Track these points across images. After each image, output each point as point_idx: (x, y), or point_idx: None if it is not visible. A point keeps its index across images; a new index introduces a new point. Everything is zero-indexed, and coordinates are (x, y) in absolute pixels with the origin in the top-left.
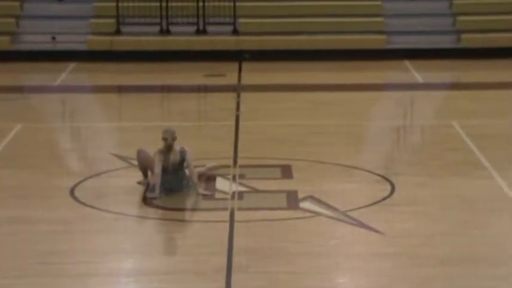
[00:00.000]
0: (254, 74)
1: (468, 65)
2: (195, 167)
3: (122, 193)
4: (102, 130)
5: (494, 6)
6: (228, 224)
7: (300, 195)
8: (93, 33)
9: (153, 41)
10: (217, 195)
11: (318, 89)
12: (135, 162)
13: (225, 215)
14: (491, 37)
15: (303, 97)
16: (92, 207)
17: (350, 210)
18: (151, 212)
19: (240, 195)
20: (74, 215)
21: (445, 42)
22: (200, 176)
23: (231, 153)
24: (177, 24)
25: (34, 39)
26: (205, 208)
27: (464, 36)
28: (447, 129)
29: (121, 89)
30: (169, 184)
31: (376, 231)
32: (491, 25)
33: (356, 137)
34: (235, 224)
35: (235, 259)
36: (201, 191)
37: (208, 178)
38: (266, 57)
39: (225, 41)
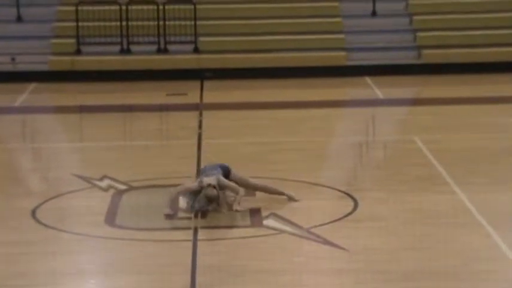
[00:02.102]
0: (216, 92)
1: (429, 80)
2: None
3: (84, 214)
4: (64, 151)
5: (455, 22)
6: (191, 243)
7: (264, 213)
8: (54, 54)
9: (114, 61)
10: (180, 214)
11: (279, 107)
12: (97, 183)
13: (188, 234)
14: (452, 52)
15: (264, 115)
16: (53, 228)
17: (313, 227)
18: (113, 232)
19: (203, 213)
20: (36, 237)
21: (406, 58)
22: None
23: (194, 172)
24: (138, 43)
25: None
26: (168, 227)
27: (424, 52)
28: (409, 145)
29: (82, 109)
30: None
31: (340, 247)
32: (452, 41)
33: (318, 154)
34: (199, 243)
35: (199, 278)
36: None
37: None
38: (227, 76)
39: (186, 60)
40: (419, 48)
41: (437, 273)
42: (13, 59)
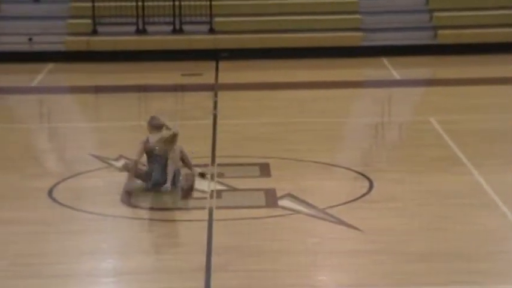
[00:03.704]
0: (231, 72)
1: (445, 61)
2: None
3: (100, 193)
4: (80, 130)
5: (471, 2)
6: (206, 223)
7: (279, 193)
8: (70, 34)
9: (129, 41)
10: (196, 194)
11: (295, 87)
12: (113, 162)
13: (204, 214)
14: (467, 33)
15: (280, 95)
16: (70, 208)
17: (329, 207)
18: (130, 212)
19: (219, 194)
20: (53, 216)
21: (422, 38)
22: None
23: (209, 152)
24: (153, 23)
25: (11, 40)
26: (184, 207)
27: (440, 32)
28: (425, 126)
29: (98, 89)
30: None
31: (355, 228)
32: (467, 21)
33: (334, 135)
34: (214, 223)
35: (215, 258)
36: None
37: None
38: (243, 56)
39: (202, 40)
40: (436, 28)
41: (453, 254)
42: (30, 39)
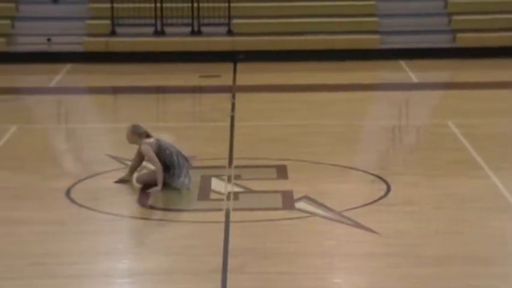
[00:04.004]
0: (249, 74)
1: (463, 64)
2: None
3: (117, 194)
4: (98, 131)
5: (490, 6)
6: (223, 225)
7: (295, 196)
8: (88, 35)
9: (147, 42)
10: (213, 195)
11: (312, 90)
12: (130, 163)
13: (221, 216)
14: (486, 36)
15: (297, 97)
16: (87, 208)
17: (345, 210)
18: (146, 212)
19: (236, 195)
20: (70, 216)
21: (440, 41)
22: None
23: (227, 154)
24: (171, 25)
25: (29, 41)
26: (201, 209)
27: (459, 35)
28: (442, 129)
29: (116, 90)
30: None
31: (372, 231)
32: (486, 24)
33: (351, 137)
34: (231, 225)
35: (231, 260)
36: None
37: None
38: (261, 58)
39: (220, 42)
40: (454, 31)
41: (470, 257)
42: (49, 40)
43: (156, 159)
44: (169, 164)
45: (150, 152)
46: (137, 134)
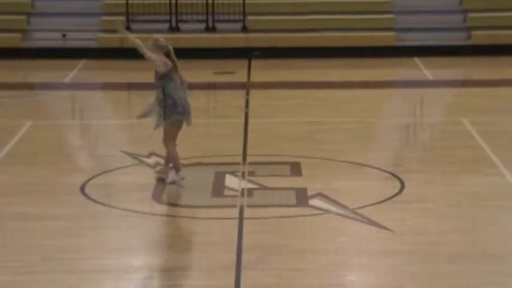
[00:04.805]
0: (263, 71)
1: (478, 62)
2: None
3: (131, 190)
4: (112, 127)
5: (505, 3)
6: (237, 221)
7: (309, 193)
8: (103, 31)
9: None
10: (227, 192)
11: (327, 87)
12: (145, 159)
13: (235, 212)
14: (501, 34)
15: (312, 94)
16: (102, 204)
17: (359, 207)
18: (160, 208)
19: (250, 192)
20: (84, 212)
21: (456, 39)
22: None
23: (241, 151)
24: (186, 21)
25: (44, 37)
26: (215, 205)
27: (474, 33)
28: (457, 127)
29: (130, 87)
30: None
31: (386, 228)
32: (502, 22)
33: (365, 135)
34: (245, 221)
35: (245, 256)
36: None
37: None
38: (275, 55)
39: (234, 39)
40: (469, 29)
41: (484, 255)
42: (63, 36)
43: (152, 56)
44: (171, 96)
45: (155, 57)
46: (158, 46)
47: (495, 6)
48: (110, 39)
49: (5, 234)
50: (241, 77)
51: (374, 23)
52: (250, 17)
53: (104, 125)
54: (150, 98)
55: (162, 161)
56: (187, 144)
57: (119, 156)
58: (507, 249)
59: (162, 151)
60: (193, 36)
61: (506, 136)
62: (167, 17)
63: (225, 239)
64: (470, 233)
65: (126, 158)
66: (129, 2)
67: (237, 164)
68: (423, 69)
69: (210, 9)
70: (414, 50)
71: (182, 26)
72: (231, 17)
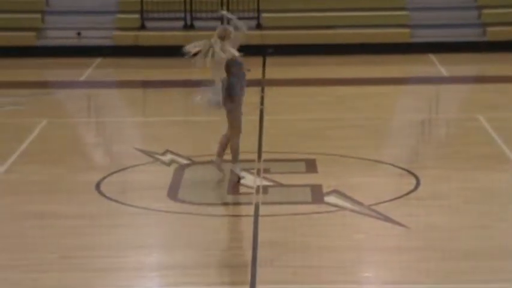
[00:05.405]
0: (278, 68)
1: (494, 58)
2: None
3: (147, 188)
4: (127, 125)
5: None
6: (252, 218)
7: (325, 190)
8: (118, 29)
9: (177, 36)
10: (242, 189)
11: (342, 83)
12: (160, 157)
13: (250, 210)
14: None
15: (327, 91)
16: (117, 201)
17: (375, 204)
18: (176, 206)
19: (265, 189)
20: (100, 210)
21: (470, 35)
22: None
23: (256, 148)
24: (201, 19)
25: (59, 35)
26: (230, 202)
27: (489, 29)
28: (472, 123)
29: (146, 84)
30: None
31: (401, 225)
32: None
33: (380, 131)
34: (260, 219)
35: (260, 253)
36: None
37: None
38: (290, 52)
39: (249, 36)
40: (484, 25)
41: (499, 251)
42: (79, 34)
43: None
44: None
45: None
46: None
47: (509, 3)
48: (125, 37)
49: (21, 232)
50: (255, 74)
51: (388, 20)
52: (264, 14)
53: (119, 122)
54: (166, 95)
55: (178, 159)
56: (202, 141)
57: (134, 154)
58: None
59: (177, 149)
60: (208, 34)
61: None
62: (182, 15)
63: (241, 236)
64: (485, 229)
65: (141, 155)
66: (144, 0)
67: (252, 161)
68: (438, 65)
69: (224, 7)
70: (429, 46)
71: (197, 23)
72: (246, 14)
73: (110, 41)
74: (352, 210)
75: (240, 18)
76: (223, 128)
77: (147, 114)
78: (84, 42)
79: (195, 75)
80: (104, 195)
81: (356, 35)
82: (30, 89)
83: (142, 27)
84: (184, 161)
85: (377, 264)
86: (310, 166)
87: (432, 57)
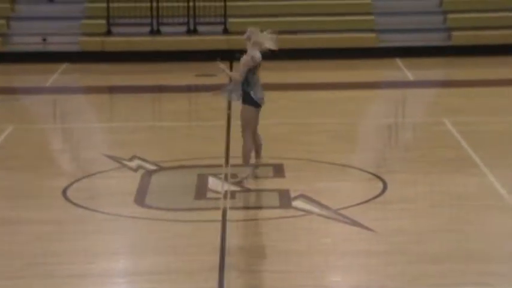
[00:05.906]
0: None
1: (459, 62)
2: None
3: (114, 193)
4: (94, 131)
5: (485, 4)
6: (220, 224)
7: (292, 194)
8: (84, 34)
9: (144, 42)
10: (210, 194)
11: (309, 88)
12: (127, 163)
13: (217, 215)
14: (482, 34)
15: (294, 96)
16: (84, 207)
17: (342, 208)
18: (143, 212)
19: (232, 194)
20: (66, 216)
21: (436, 40)
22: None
23: (223, 153)
24: (167, 24)
25: (25, 41)
26: (198, 208)
27: (455, 33)
28: (439, 127)
29: (112, 90)
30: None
31: (368, 229)
32: (482, 22)
33: (348, 136)
34: (228, 224)
35: (228, 258)
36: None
37: None
38: None
39: (216, 41)
40: (449, 30)
41: (465, 255)
42: (44, 40)
43: (243, 74)
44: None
45: (244, 65)
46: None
47: (475, 7)
48: (91, 43)
49: None
50: (223, 79)
51: (354, 25)
52: (231, 19)
53: (86, 128)
54: (133, 101)
55: (145, 164)
56: (169, 147)
57: (101, 159)
58: (488, 248)
59: (144, 154)
60: (175, 39)
61: (486, 136)
62: (148, 20)
63: (208, 241)
64: (453, 232)
65: (108, 161)
66: (110, 5)
67: (220, 166)
68: (404, 70)
69: (191, 12)
70: (395, 51)
71: (163, 28)
72: (213, 20)
73: (76, 47)
74: (320, 215)
75: (206, 23)
76: (191, 132)
77: (114, 119)
78: (50, 48)
79: (161, 80)
80: (71, 202)
81: (322, 40)
82: None
83: (109, 32)
84: (152, 167)
85: (345, 268)
86: (278, 171)
87: (398, 61)
